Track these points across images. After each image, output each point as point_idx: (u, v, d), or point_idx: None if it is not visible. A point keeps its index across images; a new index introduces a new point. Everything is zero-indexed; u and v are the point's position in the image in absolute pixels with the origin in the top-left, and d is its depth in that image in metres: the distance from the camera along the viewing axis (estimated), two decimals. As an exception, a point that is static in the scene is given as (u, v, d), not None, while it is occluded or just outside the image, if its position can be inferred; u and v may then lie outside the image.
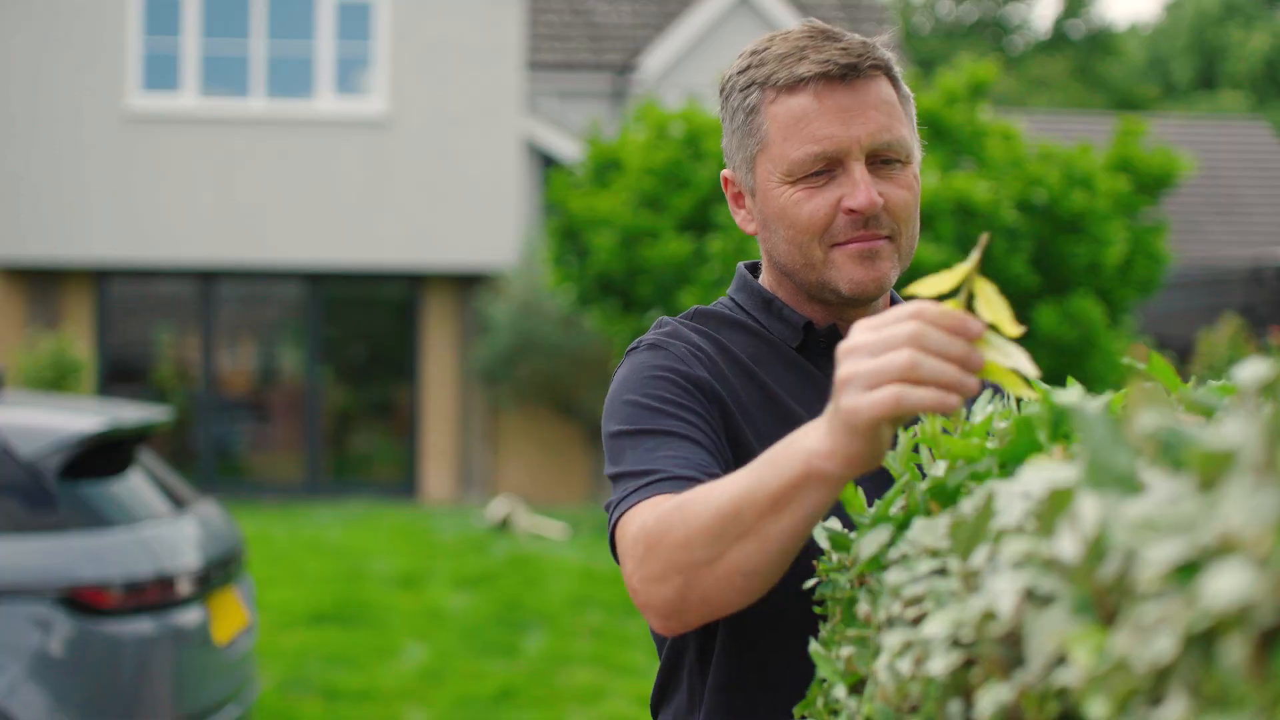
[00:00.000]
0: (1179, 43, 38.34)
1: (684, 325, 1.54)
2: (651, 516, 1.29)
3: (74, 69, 12.71)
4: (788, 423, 1.42)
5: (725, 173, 1.58)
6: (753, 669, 1.48)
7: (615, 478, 1.41)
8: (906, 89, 1.52)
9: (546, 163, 14.66)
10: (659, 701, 1.58)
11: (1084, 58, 39.63)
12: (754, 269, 1.63)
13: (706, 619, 1.28)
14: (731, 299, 1.61)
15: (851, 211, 1.44)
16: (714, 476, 1.33)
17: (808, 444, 1.14)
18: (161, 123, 12.84)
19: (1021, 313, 7.98)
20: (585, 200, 8.39)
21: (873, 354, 1.07)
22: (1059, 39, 40.94)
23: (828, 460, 1.12)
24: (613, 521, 1.38)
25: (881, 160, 1.46)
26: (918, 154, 1.52)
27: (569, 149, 14.30)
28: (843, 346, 1.10)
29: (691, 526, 1.23)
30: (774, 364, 1.53)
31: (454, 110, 13.04)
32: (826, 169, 1.45)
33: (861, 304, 1.51)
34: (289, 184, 12.90)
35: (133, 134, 12.79)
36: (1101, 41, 40.45)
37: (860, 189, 1.43)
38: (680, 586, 1.24)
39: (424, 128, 13.02)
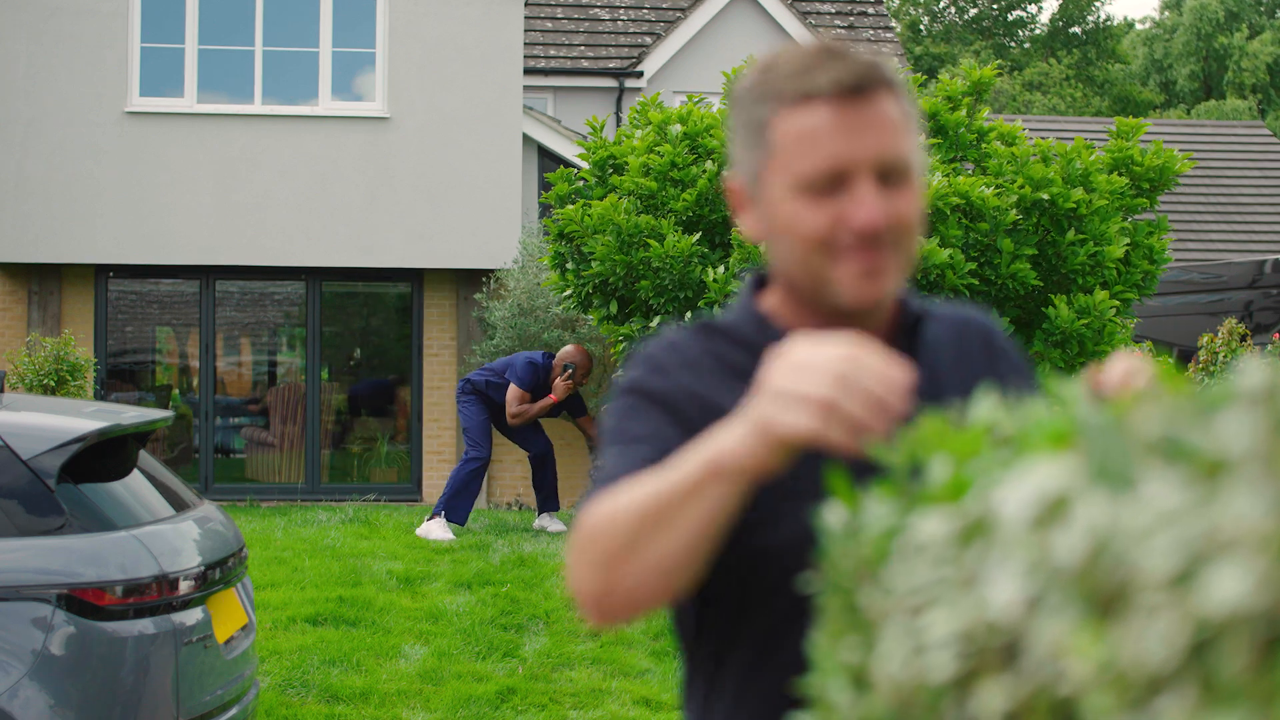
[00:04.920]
0: (1178, 42, 38.26)
1: (682, 336, 1.59)
2: (597, 513, 1.37)
3: (76, 72, 12.71)
4: None
5: (731, 181, 1.59)
6: (771, 654, 1.51)
7: (594, 473, 1.51)
8: (911, 104, 1.53)
9: (547, 164, 14.66)
10: (686, 696, 1.63)
11: (1083, 63, 39.59)
12: (759, 280, 1.66)
13: (631, 614, 1.35)
14: (732, 310, 1.65)
15: (856, 228, 1.46)
16: None
17: (720, 440, 1.25)
18: (162, 125, 12.84)
19: (1030, 311, 7.97)
20: (579, 209, 8.37)
21: (799, 376, 1.19)
22: (1057, 37, 40.89)
23: (734, 458, 1.24)
24: (581, 514, 1.48)
25: (887, 176, 1.47)
26: (921, 167, 1.54)
27: (569, 151, 14.30)
28: (778, 356, 1.22)
29: (617, 520, 1.32)
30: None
31: (454, 112, 13.04)
32: (834, 184, 1.46)
33: (862, 315, 1.54)
34: (289, 185, 12.90)
35: (134, 136, 12.79)
36: (1101, 43, 40.39)
37: (865, 206, 1.45)
38: (606, 578, 1.32)
39: (424, 129, 13.03)
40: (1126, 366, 1.31)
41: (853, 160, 1.45)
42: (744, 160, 1.54)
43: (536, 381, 10.19)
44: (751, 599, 1.50)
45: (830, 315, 1.54)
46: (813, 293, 1.52)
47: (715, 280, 7.84)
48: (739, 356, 1.55)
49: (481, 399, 10.34)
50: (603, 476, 1.45)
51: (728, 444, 1.23)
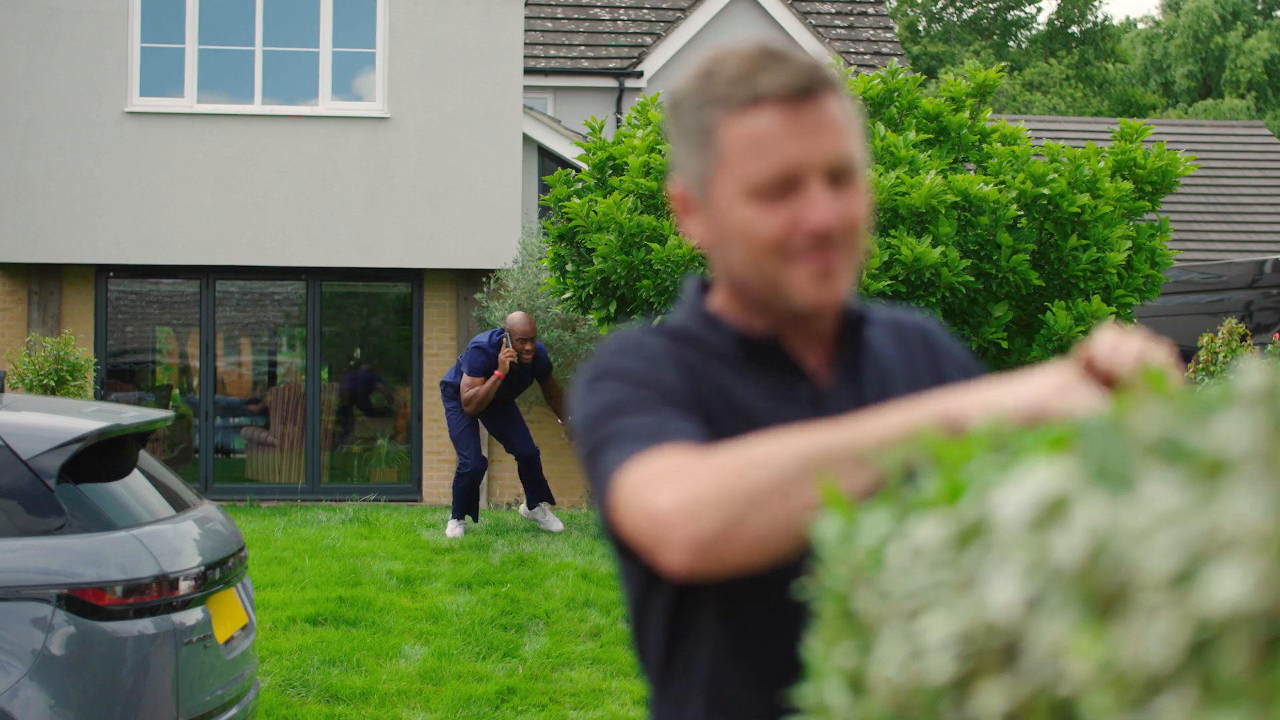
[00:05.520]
0: (1176, 42, 38.26)
1: (640, 333, 1.57)
2: (697, 454, 1.29)
3: (76, 72, 12.71)
4: (744, 422, 1.47)
5: (675, 186, 1.58)
6: (748, 653, 1.49)
7: (608, 440, 1.40)
8: (852, 104, 1.53)
9: (547, 164, 14.67)
10: (657, 698, 1.58)
11: (1081, 63, 39.56)
12: (703, 285, 1.64)
13: (746, 560, 1.24)
14: (681, 313, 1.63)
15: (810, 230, 1.45)
16: None
17: (955, 398, 1.24)
18: (162, 125, 12.84)
19: (1030, 314, 7.96)
20: (584, 205, 8.37)
21: (1080, 383, 1.22)
22: (1056, 37, 40.86)
23: (972, 419, 1.19)
24: (617, 469, 1.36)
25: (836, 177, 1.47)
26: (867, 166, 1.54)
27: (569, 151, 14.30)
28: (1055, 365, 1.25)
29: (772, 460, 1.23)
30: (721, 372, 1.55)
31: (455, 112, 13.04)
32: (786, 187, 1.46)
33: (811, 317, 1.54)
34: (289, 185, 12.90)
35: (134, 136, 12.79)
36: (1099, 43, 40.36)
37: (820, 208, 1.45)
38: (736, 514, 1.23)
39: (424, 129, 13.03)
40: (1113, 341, 1.30)
41: (804, 163, 1.45)
42: (689, 166, 1.53)
43: (490, 363, 9.97)
44: (735, 607, 1.47)
45: (780, 318, 1.55)
46: (766, 297, 1.51)
47: None
48: (692, 355, 1.55)
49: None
50: (646, 432, 1.37)
51: (969, 403, 1.22)
